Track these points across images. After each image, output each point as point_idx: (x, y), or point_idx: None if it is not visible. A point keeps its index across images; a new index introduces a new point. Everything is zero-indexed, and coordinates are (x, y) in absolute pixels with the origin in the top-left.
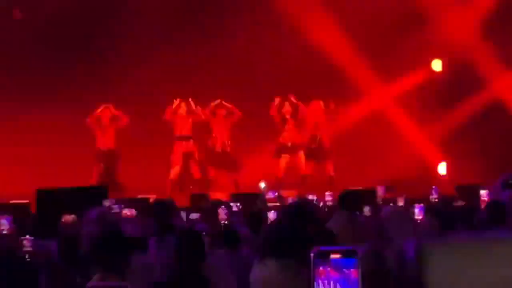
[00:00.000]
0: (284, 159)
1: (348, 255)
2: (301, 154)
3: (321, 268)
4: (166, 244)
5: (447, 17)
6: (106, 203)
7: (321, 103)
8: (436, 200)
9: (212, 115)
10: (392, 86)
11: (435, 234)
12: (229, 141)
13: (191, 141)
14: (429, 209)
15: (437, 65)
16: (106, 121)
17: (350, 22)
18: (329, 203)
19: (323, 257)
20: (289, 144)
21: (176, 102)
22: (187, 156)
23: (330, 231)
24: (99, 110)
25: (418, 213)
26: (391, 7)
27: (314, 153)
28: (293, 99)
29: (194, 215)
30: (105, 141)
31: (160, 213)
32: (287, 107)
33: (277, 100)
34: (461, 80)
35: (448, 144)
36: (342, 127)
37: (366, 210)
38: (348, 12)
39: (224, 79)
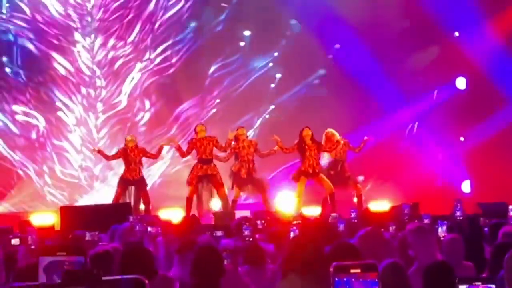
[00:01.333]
0: (305, 182)
1: (367, 269)
2: (322, 176)
3: (341, 283)
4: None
5: (471, 34)
6: (130, 220)
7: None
8: (461, 217)
9: (236, 140)
10: (417, 104)
11: (460, 252)
12: (253, 165)
13: (212, 164)
14: (453, 226)
15: (461, 82)
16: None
17: (374, 40)
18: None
19: (343, 272)
20: (310, 170)
21: (201, 126)
22: (207, 178)
23: (353, 246)
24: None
25: (442, 231)
26: (415, 25)
27: (335, 179)
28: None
29: (218, 233)
30: (133, 171)
31: (184, 230)
32: (308, 136)
33: (306, 131)
34: (485, 98)
35: (472, 162)
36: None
37: (391, 227)
38: (372, 30)
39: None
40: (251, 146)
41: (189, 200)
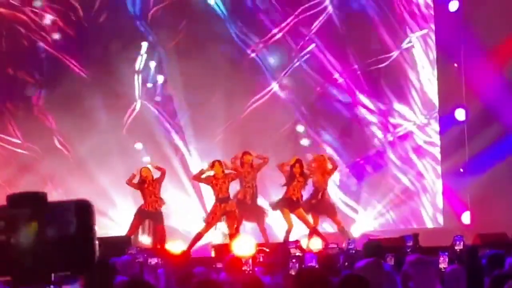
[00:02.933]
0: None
1: None
2: (301, 212)
3: None
4: None
5: (471, 65)
6: (130, 252)
7: (326, 157)
8: (461, 248)
9: (241, 165)
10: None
11: (462, 283)
12: (256, 190)
13: (230, 201)
14: (453, 258)
15: (460, 114)
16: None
17: (372, 71)
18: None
19: None
20: (294, 198)
21: (212, 164)
22: (225, 214)
23: (363, 278)
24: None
25: (442, 262)
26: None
27: (318, 208)
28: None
29: (218, 265)
30: (151, 203)
31: (183, 262)
32: (297, 167)
33: (292, 160)
34: (484, 129)
35: (472, 193)
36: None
37: (390, 259)
38: (369, 62)
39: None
40: (254, 170)
41: (199, 236)
